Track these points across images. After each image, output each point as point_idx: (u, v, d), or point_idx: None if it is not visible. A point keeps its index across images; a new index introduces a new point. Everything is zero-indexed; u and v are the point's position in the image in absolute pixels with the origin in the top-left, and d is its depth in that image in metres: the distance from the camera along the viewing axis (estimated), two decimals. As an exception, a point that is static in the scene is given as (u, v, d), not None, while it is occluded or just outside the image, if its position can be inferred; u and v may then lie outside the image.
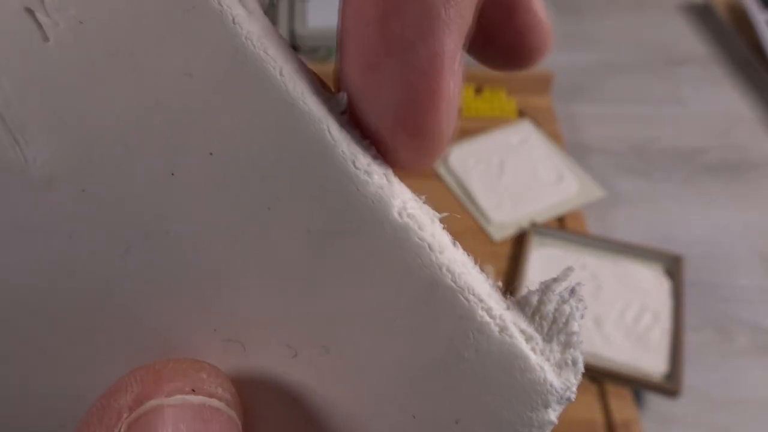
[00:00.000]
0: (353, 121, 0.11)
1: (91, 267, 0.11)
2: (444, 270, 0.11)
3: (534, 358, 0.11)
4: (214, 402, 0.11)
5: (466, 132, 0.69)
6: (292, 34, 0.77)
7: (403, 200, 0.11)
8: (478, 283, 0.11)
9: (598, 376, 0.50)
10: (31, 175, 0.11)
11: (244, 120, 0.10)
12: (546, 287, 0.12)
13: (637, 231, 0.63)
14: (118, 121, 0.10)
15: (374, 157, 0.11)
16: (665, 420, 0.50)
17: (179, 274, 0.11)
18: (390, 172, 0.11)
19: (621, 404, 0.49)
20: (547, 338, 0.11)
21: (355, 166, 0.11)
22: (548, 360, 0.11)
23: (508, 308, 0.11)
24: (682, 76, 0.80)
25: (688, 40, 0.85)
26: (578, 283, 0.12)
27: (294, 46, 0.78)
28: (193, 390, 0.11)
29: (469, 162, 0.66)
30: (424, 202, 0.12)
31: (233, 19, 0.10)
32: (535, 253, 0.58)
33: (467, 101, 0.72)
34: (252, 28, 0.10)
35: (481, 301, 0.11)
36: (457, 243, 0.11)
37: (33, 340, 0.12)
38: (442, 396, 0.11)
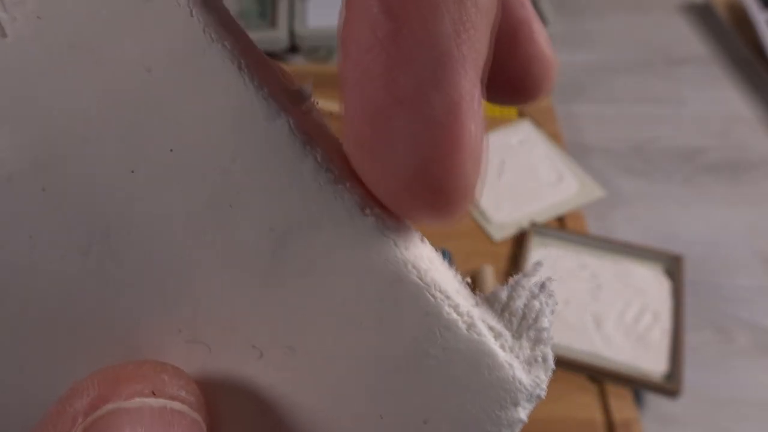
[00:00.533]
0: (357, 182, 0.11)
1: (52, 267, 0.11)
2: (409, 266, 0.11)
3: (502, 356, 0.11)
4: (176, 405, 0.10)
5: (466, 132, 0.69)
6: (292, 34, 0.77)
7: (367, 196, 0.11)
8: (445, 280, 0.11)
9: (598, 376, 0.50)
10: None
11: (202, 115, 0.10)
12: (516, 283, 0.12)
13: (637, 231, 0.63)
14: (78, 117, 0.10)
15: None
16: (665, 420, 0.50)
17: (141, 274, 0.11)
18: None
19: (621, 404, 0.49)
20: (517, 335, 0.11)
21: (317, 161, 0.10)
22: (517, 357, 0.11)
23: (476, 305, 0.11)
24: (682, 76, 0.80)
25: (688, 40, 0.85)
26: (548, 278, 0.12)
27: (294, 46, 0.78)
28: (154, 392, 0.10)
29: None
30: None
31: (191, 12, 0.10)
32: (535, 253, 0.58)
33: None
34: (211, 20, 0.10)
35: (447, 297, 0.11)
36: (425, 239, 0.11)
37: None
38: (409, 395, 0.11)
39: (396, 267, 0.10)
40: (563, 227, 0.61)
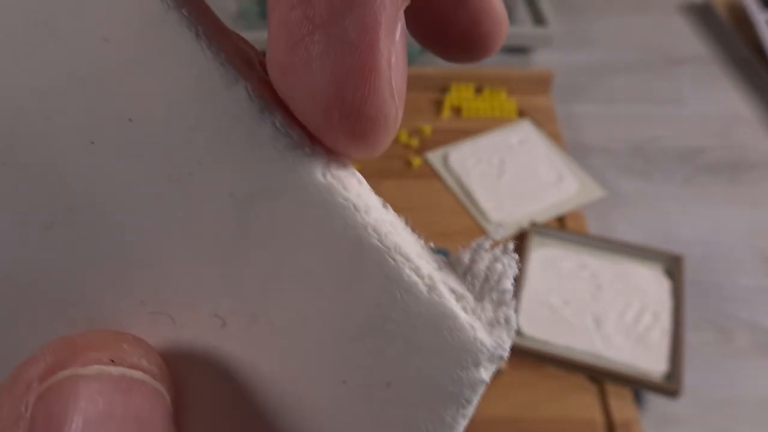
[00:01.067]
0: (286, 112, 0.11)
1: (14, 243, 0.11)
2: (369, 230, 0.10)
3: (464, 317, 0.11)
4: (137, 374, 0.10)
5: (466, 132, 0.69)
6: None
7: (327, 160, 0.11)
8: (406, 244, 0.11)
9: (598, 376, 0.50)
10: None
11: (161, 84, 0.10)
12: (478, 246, 0.12)
13: (637, 231, 0.63)
14: (37, 91, 0.10)
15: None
16: (665, 420, 0.50)
17: (104, 246, 0.11)
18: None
19: (621, 404, 0.49)
20: (479, 297, 0.11)
21: (275, 126, 0.10)
22: (479, 319, 0.11)
23: (438, 268, 0.11)
24: (682, 76, 0.80)
25: (688, 40, 0.85)
26: (510, 240, 0.12)
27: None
28: (113, 361, 0.10)
29: (469, 162, 0.66)
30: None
31: None
32: (535, 253, 0.58)
33: (467, 101, 0.72)
34: None
35: (408, 260, 0.11)
36: (388, 205, 0.11)
37: None
38: (371, 359, 0.11)
39: (356, 231, 0.10)
40: (563, 227, 0.61)
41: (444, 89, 0.73)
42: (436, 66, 0.74)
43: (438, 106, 0.72)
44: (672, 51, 0.84)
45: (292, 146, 0.10)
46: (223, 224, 0.11)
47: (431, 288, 0.11)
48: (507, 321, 0.11)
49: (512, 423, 0.49)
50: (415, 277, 0.11)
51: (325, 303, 0.11)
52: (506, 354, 0.11)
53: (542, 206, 0.62)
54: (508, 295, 0.11)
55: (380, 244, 0.10)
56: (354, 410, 0.11)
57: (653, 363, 0.50)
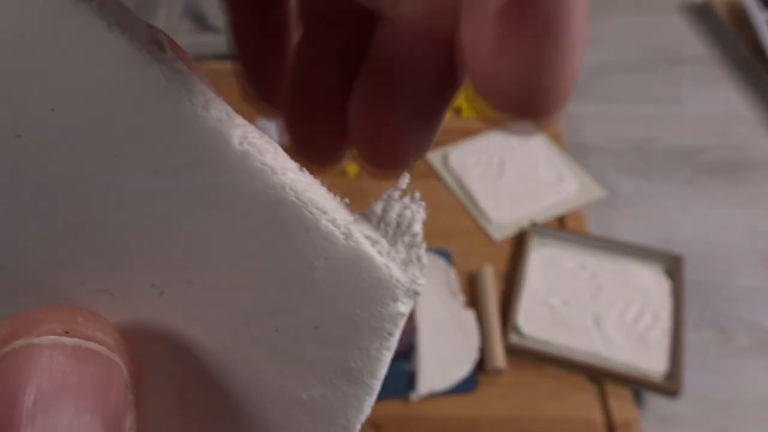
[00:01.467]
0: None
1: None
2: (287, 189, 0.11)
3: (379, 259, 0.12)
4: (91, 345, 0.10)
5: (466, 132, 0.69)
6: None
7: (243, 131, 0.11)
8: (322, 199, 0.12)
9: (598, 376, 0.50)
10: None
11: (78, 72, 0.11)
12: (388, 196, 0.13)
13: (637, 231, 0.63)
14: None
15: (215, 94, 0.12)
16: (665, 420, 0.50)
17: (40, 232, 0.12)
18: (230, 108, 0.12)
19: (621, 404, 0.49)
20: (392, 241, 0.12)
21: (191, 102, 0.11)
22: (394, 260, 0.12)
23: (354, 220, 0.12)
24: (682, 76, 0.80)
25: (688, 40, 0.85)
26: (417, 190, 0.13)
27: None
28: (67, 332, 0.10)
29: (469, 162, 0.66)
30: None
31: None
32: (535, 253, 0.58)
33: (467, 101, 0.72)
34: None
35: (325, 212, 0.12)
36: (305, 169, 0.12)
37: None
38: (299, 306, 0.12)
39: (275, 191, 0.11)
40: (563, 227, 0.61)
41: (444, 89, 0.73)
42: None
43: (438, 106, 0.72)
44: (672, 51, 0.84)
45: (209, 119, 0.11)
46: (151, 199, 0.11)
47: (347, 235, 0.12)
48: (419, 260, 0.12)
49: (512, 423, 0.49)
50: (332, 227, 0.12)
51: (252, 261, 0.12)
52: (421, 289, 0.12)
53: (542, 206, 0.62)
54: (419, 238, 0.12)
55: (297, 201, 0.11)
56: (289, 355, 0.12)
57: (653, 363, 0.50)
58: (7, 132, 0.11)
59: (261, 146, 0.11)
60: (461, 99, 0.72)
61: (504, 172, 0.65)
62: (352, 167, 0.62)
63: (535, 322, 0.53)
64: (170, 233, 0.12)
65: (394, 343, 0.12)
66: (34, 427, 0.09)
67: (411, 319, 0.54)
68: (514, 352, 0.51)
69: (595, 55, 0.82)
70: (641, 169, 0.69)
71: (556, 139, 0.69)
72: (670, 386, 0.49)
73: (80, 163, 0.11)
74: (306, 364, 0.12)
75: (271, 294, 0.12)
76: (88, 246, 0.12)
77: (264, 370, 0.12)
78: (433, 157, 0.67)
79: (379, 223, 0.12)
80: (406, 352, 0.52)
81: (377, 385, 0.12)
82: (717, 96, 0.78)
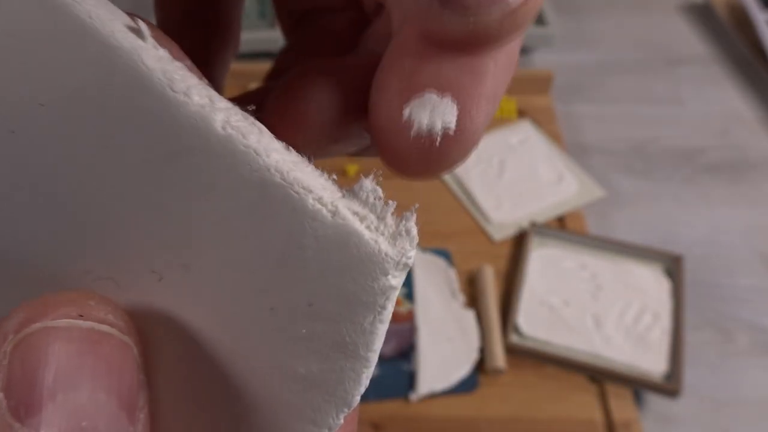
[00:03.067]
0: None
1: None
2: (272, 170, 0.12)
3: (368, 234, 0.12)
4: (104, 327, 0.11)
5: (466, 132, 0.69)
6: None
7: (226, 115, 0.12)
8: (309, 178, 0.12)
9: (598, 376, 0.50)
10: None
11: (64, 66, 0.11)
12: (377, 172, 0.13)
13: (637, 231, 0.63)
14: None
15: (198, 80, 0.12)
16: (665, 420, 0.50)
17: (41, 225, 0.12)
18: (213, 93, 0.12)
19: (621, 404, 0.49)
20: (381, 216, 0.12)
21: (173, 90, 0.11)
22: (383, 234, 0.12)
23: (342, 196, 0.12)
24: (682, 76, 0.80)
25: (688, 40, 0.85)
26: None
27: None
28: (81, 315, 0.11)
29: (469, 162, 0.66)
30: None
31: None
32: (535, 253, 0.58)
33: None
34: None
35: (310, 192, 0.12)
36: (291, 148, 0.12)
37: None
38: (292, 285, 0.12)
39: (260, 173, 0.12)
40: (563, 227, 0.61)
41: (444, 89, 0.73)
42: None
43: (438, 106, 0.72)
44: (672, 51, 0.84)
45: (191, 105, 0.11)
46: (143, 187, 0.12)
47: (334, 213, 0.12)
48: (408, 232, 0.12)
49: (512, 423, 0.49)
50: (318, 206, 0.12)
51: (245, 242, 0.12)
52: (411, 262, 0.12)
53: (542, 206, 0.62)
54: (408, 212, 0.12)
55: (283, 181, 0.12)
56: (285, 333, 0.12)
57: (653, 363, 0.50)
58: (2, 129, 0.11)
59: (244, 129, 0.12)
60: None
61: (504, 172, 0.65)
62: (351, 167, 0.62)
63: (535, 322, 0.53)
64: (165, 220, 0.12)
65: (387, 315, 0.12)
66: (55, 404, 0.10)
67: (411, 319, 0.54)
68: (514, 352, 0.51)
69: (595, 55, 0.82)
70: (641, 169, 0.69)
71: (556, 139, 0.69)
72: (670, 386, 0.49)
73: (73, 156, 0.12)
74: (302, 340, 0.12)
75: (263, 274, 0.12)
76: (90, 236, 0.12)
77: (262, 347, 0.12)
78: (433, 157, 0.67)
79: (367, 198, 0.12)
80: (406, 352, 0.52)
81: (373, 357, 0.13)
82: (717, 96, 0.78)
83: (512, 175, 0.65)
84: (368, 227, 0.12)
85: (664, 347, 0.51)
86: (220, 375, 0.13)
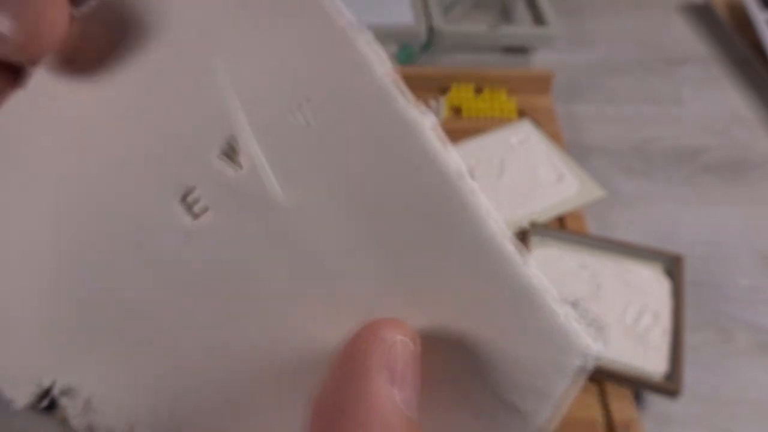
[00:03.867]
0: None
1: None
2: (533, 280, 0.16)
3: (576, 327, 0.16)
4: (412, 344, 0.16)
5: (466, 132, 0.69)
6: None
7: (492, 214, 0.17)
8: (552, 291, 0.16)
9: (598, 376, 0.50)
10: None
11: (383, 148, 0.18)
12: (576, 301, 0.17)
13: (637, 231, 0.63)
14: None
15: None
16: (665, 420, 0.50)
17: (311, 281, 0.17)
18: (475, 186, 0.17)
19: (621, 404, 0.49)
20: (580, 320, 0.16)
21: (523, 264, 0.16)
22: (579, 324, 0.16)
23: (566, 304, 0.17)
24: (682, 76, 0.80)
25: (688, 40, 0.85)
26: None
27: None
28: (405, 335, 0.16)
29: (469, 162, 0.66)
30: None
31: None
32: (535, 253, 0.58)
33: (467, 101, 0.72)
34: None
35: (559, 311, 0.16)
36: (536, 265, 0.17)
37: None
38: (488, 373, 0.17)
39: (521, 279, 0.16)
40: (563, 227, 0.61)
41: (444, 89, 0.73)
42: (436, 66, 0.74)
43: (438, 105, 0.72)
44: (672, 51, 0.84)
45: (464, 190, 0.17)
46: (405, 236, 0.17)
47: (566, 315, 0.16)
48: (597, 327, 0.15)
49: (512, 423, 0.49)
50: (565, 321, 0.16)
51: (474, 335, 0.16)
52: (596, 351, 0.16)
53: (542, 206, 0.62)
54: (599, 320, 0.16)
55: (543, 299, 0.16)
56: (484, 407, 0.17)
57: (653, 363, 0.50)
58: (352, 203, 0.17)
59: (505, 232, 0.16)
60: (461, 99, 0.72)
61: (504, 172, 0.65)
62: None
63: (535, 322, 0.53)
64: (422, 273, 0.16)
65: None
66: (403, 385, 0.15)
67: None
68: (514, 352, 0.51)
69: (595, 55, 0.82)
70: (641, 169, 0.69)
71: (556, 139, 0.69)
72: (670, 386, 0.49)
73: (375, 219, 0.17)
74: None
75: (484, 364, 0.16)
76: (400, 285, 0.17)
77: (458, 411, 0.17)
78: (433, 157, 0.67)
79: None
80: (406, 352, 0.52)
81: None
82: (717, 96, 0.78)
83: (512, 175, 0.65)
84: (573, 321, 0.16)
85: (664, 347, 0.51)
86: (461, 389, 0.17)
